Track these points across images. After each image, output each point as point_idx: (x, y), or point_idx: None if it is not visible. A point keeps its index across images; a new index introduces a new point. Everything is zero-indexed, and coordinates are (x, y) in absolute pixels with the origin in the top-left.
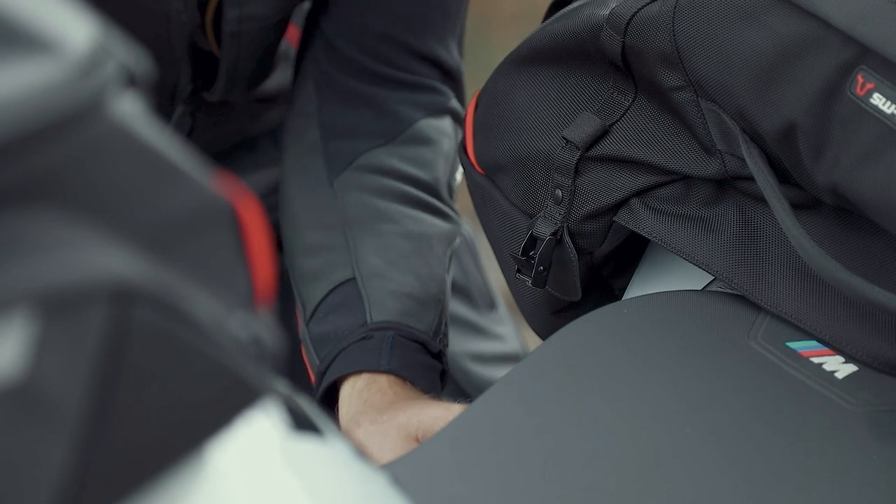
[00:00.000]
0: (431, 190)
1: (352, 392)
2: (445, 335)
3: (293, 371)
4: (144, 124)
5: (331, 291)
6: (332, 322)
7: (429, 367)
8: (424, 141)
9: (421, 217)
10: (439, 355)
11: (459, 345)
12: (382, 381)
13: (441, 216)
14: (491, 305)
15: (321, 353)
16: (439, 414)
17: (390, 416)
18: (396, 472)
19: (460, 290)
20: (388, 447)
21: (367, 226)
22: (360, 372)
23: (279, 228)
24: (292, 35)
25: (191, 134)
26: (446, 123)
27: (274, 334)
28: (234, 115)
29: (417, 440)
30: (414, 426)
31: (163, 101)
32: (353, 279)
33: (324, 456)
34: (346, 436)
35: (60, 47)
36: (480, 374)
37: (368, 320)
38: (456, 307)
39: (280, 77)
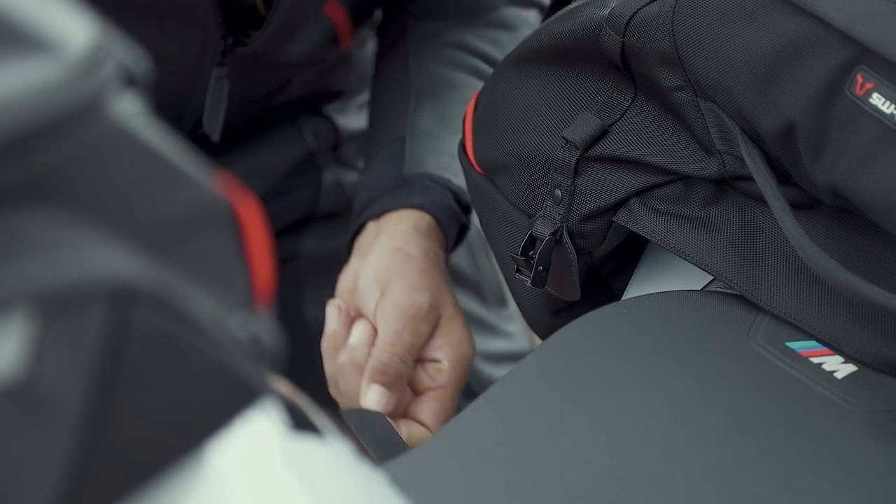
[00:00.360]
0: (496, 65)
1: (374, 226)
2: None
3: (293, 371)
4: (144, 124)
5: (383, 148)
6: (373, 174)
7: (455, 214)
8: (505, 26)
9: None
10: (468, 209)
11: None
12: (405, 212)
13: None
14: (501, 302)
15: (359, 200)
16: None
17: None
18: (396, 472)
19: (471, 286)
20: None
21: (432, 92)
22: (398, 209)
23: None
24: None
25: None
26: (531, 15)
27: (273, 334)
28: (266, 79)
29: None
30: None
31: (190, 65)
32: (404, 137)
33: (323, 456)
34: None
35: (59, 47)
36: (489, 373)
37: (404, 172)
38: (466, 303)
39: (311, 37)
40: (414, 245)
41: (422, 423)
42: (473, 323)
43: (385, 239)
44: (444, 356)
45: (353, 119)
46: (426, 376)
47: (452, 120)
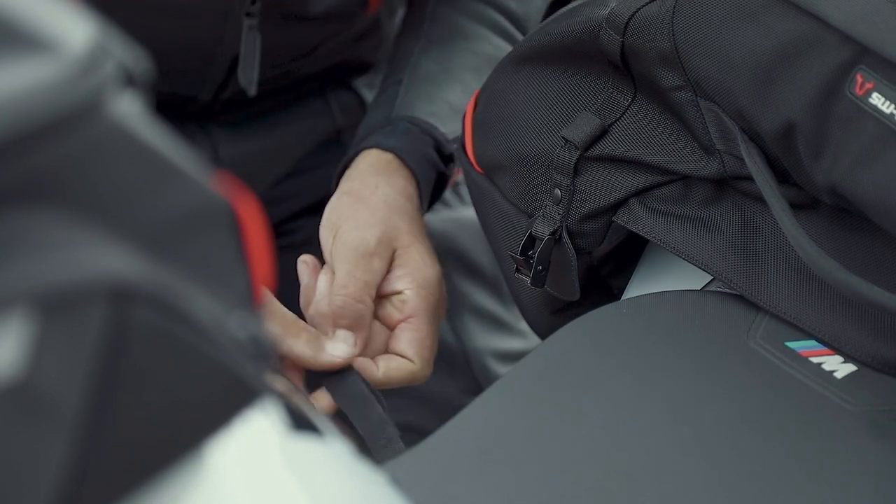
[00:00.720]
0: (518, 22)
1: (353, 166)
2: None
3: None
4: (144, 124)
5: (384, 92)
6: (368, 117)
7: (429, 160)
8: None
9: (498, 43)
10: (449, 158)
11: (483, 341)
12: (368, 152)
13: None
14: None
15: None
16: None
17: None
18: (396, 471)
19: (488, 281)
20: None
21: (443, 39)
22: (369, 149)
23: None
24: None
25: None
26: None
27: (273, 334)
28: (295, 37)
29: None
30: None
31: (218, 16)
32: (402, 80)
33: (323, 456)
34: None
35: (59, 47)
36: (502, 373)
37: (391, 115)
38: (482, 299)
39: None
40: (364, 184)
41: (400, 355)
42: (490, 320)
43: (343, 182)
44: (405, 285)
45: None
46: (394, 310)
47: (458, 68)
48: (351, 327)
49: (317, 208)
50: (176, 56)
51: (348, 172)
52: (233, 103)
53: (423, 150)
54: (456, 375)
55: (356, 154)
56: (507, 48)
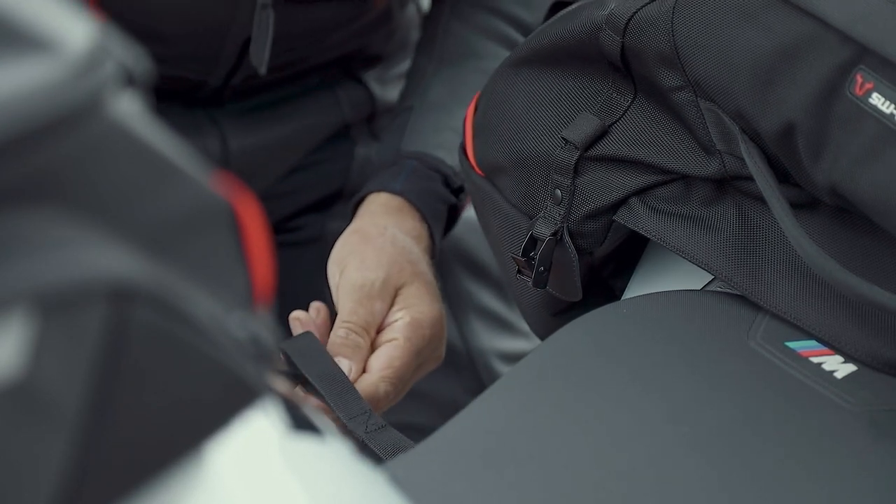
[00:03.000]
0: (528, 32)
1: (366, 204)
2: None
3: None
4: (144, 124)
5: (396, 118)
6: (380, 147)
7: (438, 196)
8: None
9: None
10: (459, 191)
11: (488, 341)
12: (384, 197)
13: None
14: None
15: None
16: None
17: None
18: (396, 472)
19: (494, 281)
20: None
21: (453, 59)
22: (379, 192)
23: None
24: None
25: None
26: None
27: (273, 334)
28: (305, 21)
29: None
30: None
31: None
32: (412, 107)
33: (323, 456)
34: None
35: (59, 47)
36: None
37: (401, 148)
38: (488, 300)
39: None
40: (373, 224)
41: (366, 369)
42: (495, 321)
43: (355, 220)
44: (400, 316)
45: (391, 90)
46: (384, 336)
47: (467, 91)
48: (348, 356)
49: (323, 205)
50: (188, 37)
51: (360, 210)
52: (242, 92)
53: (431, 187)
54: (460, 375)
55: (366, 194)
56: None
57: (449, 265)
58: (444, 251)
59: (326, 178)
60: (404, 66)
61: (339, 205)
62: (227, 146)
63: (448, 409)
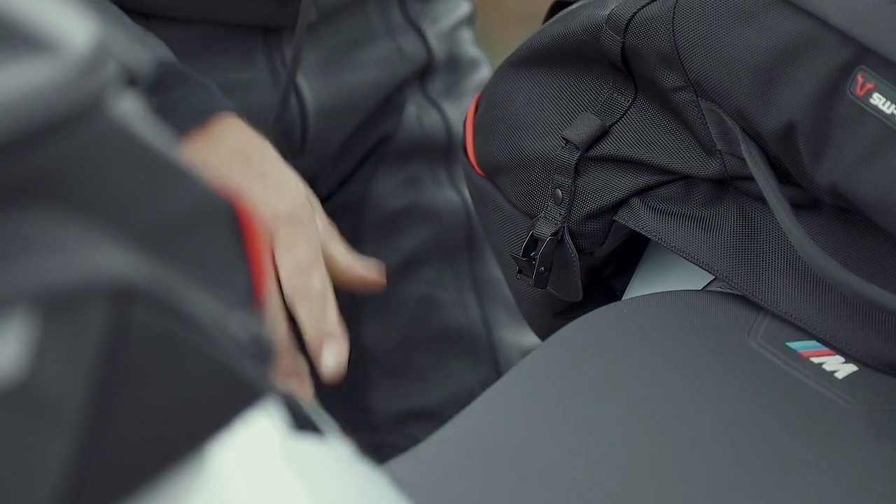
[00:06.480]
0: None
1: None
2: None
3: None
4: (144, 124)
5: None
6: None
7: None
8: None
9: None
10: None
11: (513, 335)
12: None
13: None
14: None
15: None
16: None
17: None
18: (396, 472)
19: None
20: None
21: None
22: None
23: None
24: None
25: None
26: None
27: (273, 334)
28: None
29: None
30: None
31: None
32: None
33: (324, 456)
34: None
35: (60, 47)
36: None
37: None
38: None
39: None
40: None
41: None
42: (518, 317)
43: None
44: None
45: (443, 43)
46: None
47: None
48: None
49: (369, 161)
50: None
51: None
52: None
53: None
54: (479, 366)
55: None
56: None
57: (483, 251)
58: (480, 237)
59: (374, 132)
60: (462, 9)
61: (382, 169)
62: (301, 96)
63: (464, 397)
